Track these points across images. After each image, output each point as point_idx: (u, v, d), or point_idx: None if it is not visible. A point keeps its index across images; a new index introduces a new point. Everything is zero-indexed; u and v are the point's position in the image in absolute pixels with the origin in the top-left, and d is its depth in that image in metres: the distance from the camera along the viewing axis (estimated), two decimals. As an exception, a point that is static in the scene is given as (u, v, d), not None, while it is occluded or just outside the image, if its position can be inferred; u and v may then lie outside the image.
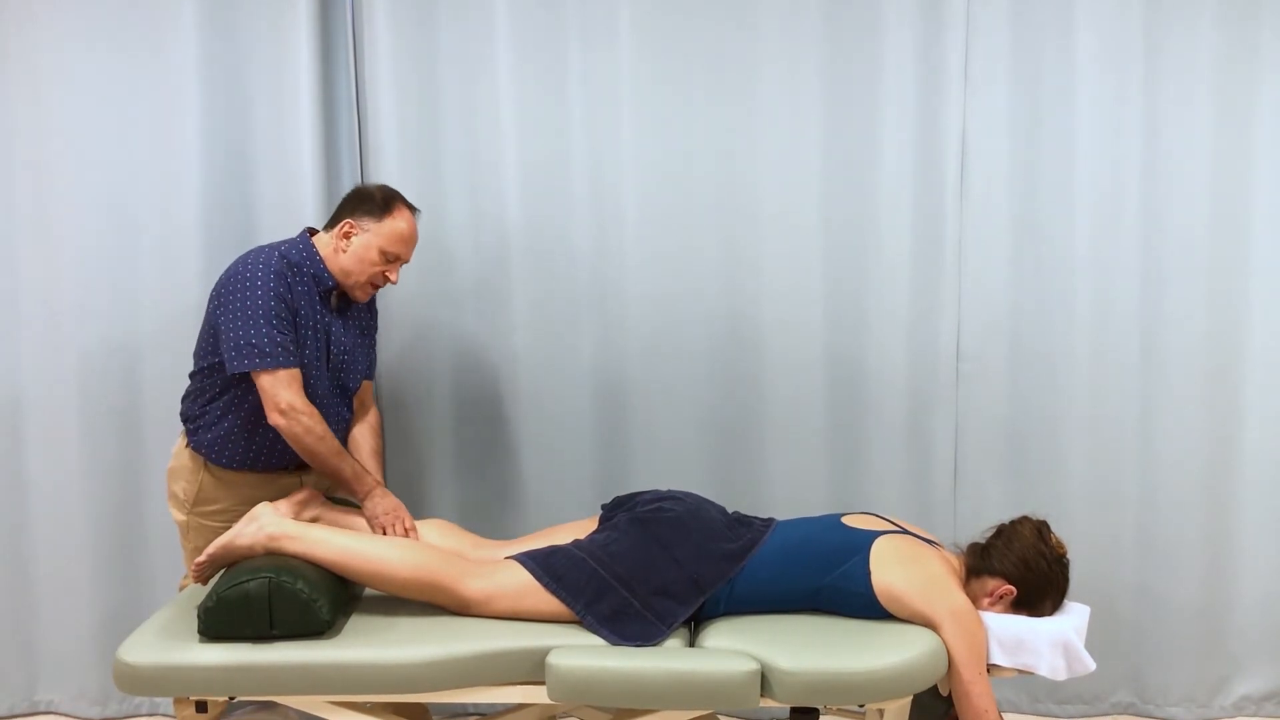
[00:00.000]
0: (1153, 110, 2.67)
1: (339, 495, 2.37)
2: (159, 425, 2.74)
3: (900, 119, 2.68)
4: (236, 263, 2.26)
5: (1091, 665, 2.04)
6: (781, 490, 2.77)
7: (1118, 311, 2.71)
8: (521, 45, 2.69)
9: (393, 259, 2.31)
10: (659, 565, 2.09)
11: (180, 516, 2.37)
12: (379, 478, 2.36)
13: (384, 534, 2.21)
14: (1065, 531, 2.71)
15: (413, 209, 2.34)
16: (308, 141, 2.68)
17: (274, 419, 2.19)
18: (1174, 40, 2.64)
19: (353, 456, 2.30)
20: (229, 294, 2.21)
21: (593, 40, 2.69)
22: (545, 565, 2.09)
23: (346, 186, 2.76)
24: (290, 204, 2.70)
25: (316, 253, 2.30)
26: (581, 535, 2.21)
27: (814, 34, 2.67)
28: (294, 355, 2.21)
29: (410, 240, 2.33)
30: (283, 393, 2.18)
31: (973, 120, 2.68)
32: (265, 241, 2.70)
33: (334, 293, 2.33)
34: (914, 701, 2.05)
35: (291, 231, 2.68)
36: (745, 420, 2.77)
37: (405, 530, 2.22)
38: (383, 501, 2.25)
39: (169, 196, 2.70)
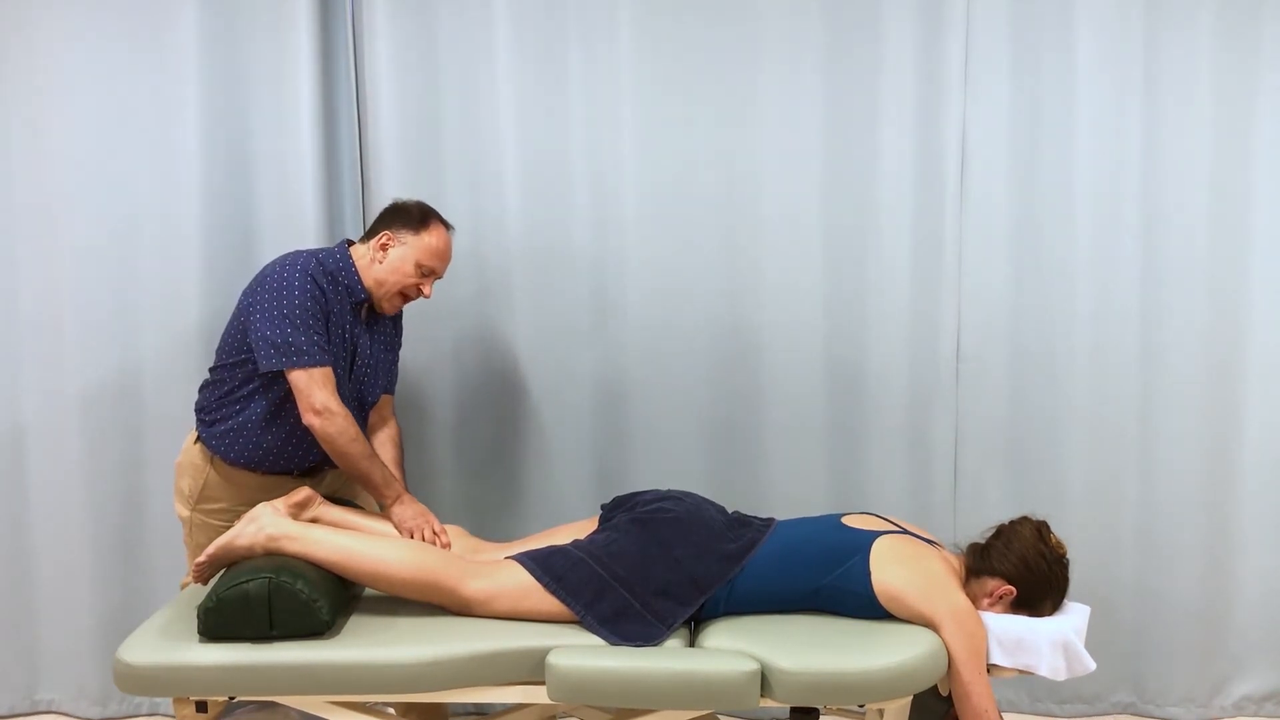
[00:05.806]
0: (1153, 110, 2.67)
1: (339, 496, 2.37)
2: (160, 425, 2.74)
3: (900, 119, 2.68)
4: (273, 264, 2.27)
5: (1091, 665, 2.04)
6: (781, 490, 2.77)
7: (1118, 311, 2.71)
8: (521, 46, 2.69)
9: (427, 272, 2.33)
10: (659, 565, 2.09)
11: (184, 512, 2.37)
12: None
13: (411, 539, 2.21)
14: (1065, 531, 2.70)
15: (447, 226, 2.36)
16: (308, 142, 2.68)
17: (309, 419, 2.19)
18: (1174, 40, 2.64)
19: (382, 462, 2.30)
20: (263, 293, 2.22)
21: (593, 40, 2.69)
22: (545, 565, 2.09)
23: (347, 187, 2.78)
24: (290, 204, 2.70)
25: (353, 264, 2.30)
26: (581, 535, 2.21)
27: (814, 35, 2.67)
28: (328, 354, 2.22)
29: (445, 255, 2.35)
30: (318, 392, 2.19)
31: (973, 121, 2.68)
32: (266, 241, 2.72)
33: (365, 305, 2.34)
34: (914, 701, 2.05)
35: (291, 232, 2.69)
36: (745, 420, 2.77)
37: (434, 534, 2.23)
38: (411, 507, 2.26)
39: (169, 197, 2.70)
